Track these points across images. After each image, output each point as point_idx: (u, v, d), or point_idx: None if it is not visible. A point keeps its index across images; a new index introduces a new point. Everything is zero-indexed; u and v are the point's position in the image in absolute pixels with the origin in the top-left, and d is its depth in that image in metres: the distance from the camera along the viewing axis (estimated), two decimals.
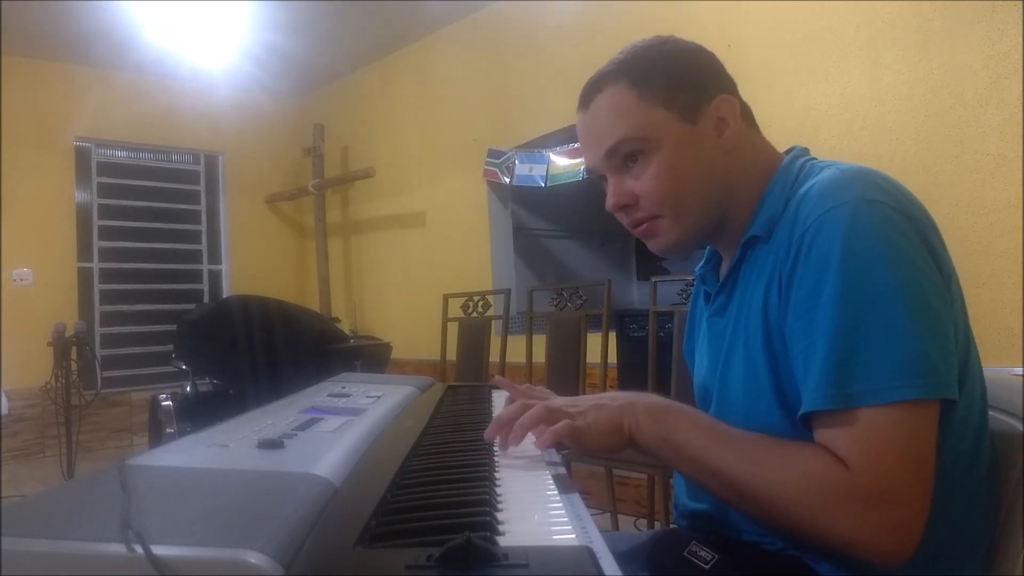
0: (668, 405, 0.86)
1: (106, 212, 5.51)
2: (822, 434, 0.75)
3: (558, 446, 0.85)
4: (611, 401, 0.86)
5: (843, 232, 0.74)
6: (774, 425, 0.82)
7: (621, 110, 0.88)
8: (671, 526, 1.18)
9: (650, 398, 0.86)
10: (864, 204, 0.75)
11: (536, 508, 0.67)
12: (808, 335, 0.75)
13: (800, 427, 0.78)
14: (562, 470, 0.82)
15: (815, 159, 0.91)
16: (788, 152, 0.93)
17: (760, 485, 0.76)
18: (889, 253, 0.73)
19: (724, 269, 0.97)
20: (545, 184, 4.08)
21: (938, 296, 0.75)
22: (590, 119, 0.92)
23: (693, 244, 0.93)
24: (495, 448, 0.90)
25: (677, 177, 0.87)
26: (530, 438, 0.86)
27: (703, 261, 1.03)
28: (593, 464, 2.89)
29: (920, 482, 0.71)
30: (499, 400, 1.33)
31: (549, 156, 4.07)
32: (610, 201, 0.92)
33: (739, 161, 0.89)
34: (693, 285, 1.09)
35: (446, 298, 3.47)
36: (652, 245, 0.93)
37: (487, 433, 0.89)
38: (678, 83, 0.87)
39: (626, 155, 0.89)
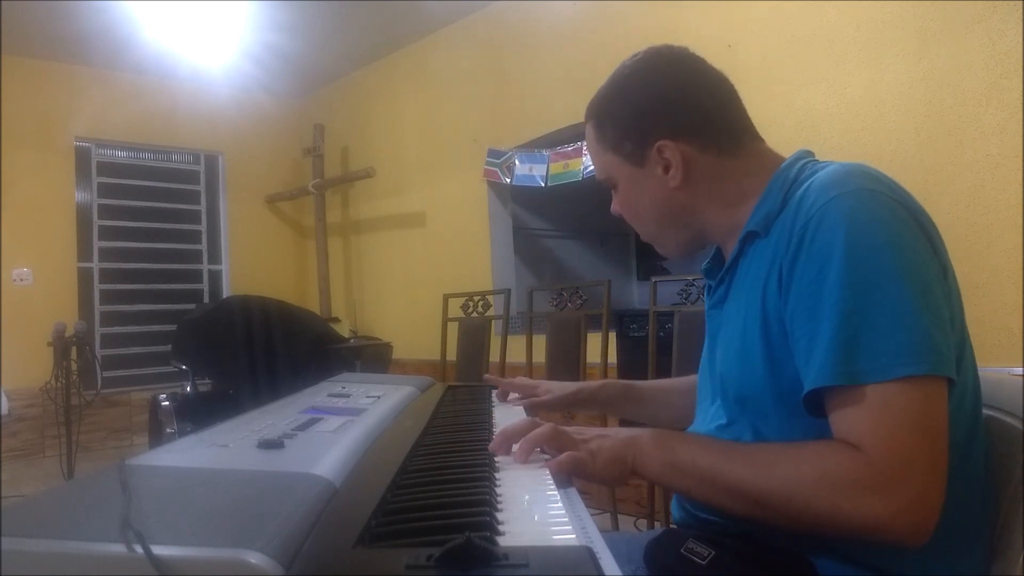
0: (670, 432, 0.87)
1: (106, 212, 5.51)
2: (832, 414, 0.75)
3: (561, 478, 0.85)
4: (615, 434, 0.87)
5: (847, 219, 0.76)
6: (766, 415, 0.83)
7: (591, 150, 1.02)
8: (671, 526, 1.19)
9: (652, 429, 0.88)
10: (866, 193, 0.77)
11: (536, 508, 0.67)
12: (812, 318, 0.76)
13: (795, 417, 0.79)
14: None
15: (816, 160, 0.92)
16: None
17: (776, 488, 0.76)
18: (892, 239, 0.75)
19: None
20: (545, 184, 4.08)
21: (937, 283, 0.77)
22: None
23: (681, 254, 1.03)
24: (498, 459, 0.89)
25: (633, 211, 1.00)
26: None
27: (709, 258, 1.06)
28: None
29: (935, 454, 0.71)
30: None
31: (548, 156, 4.08)
32: (611, 208, 1.04)
33: (699, 189, 0.94)
34: (695, 284, 1.15)
35: (446, 298, 3.47)
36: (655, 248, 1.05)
37: (492, 446, 0.89)
38: (625, 131, 0.96)
39: (609, 187, 1.02)
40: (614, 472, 0.84)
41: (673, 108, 0.94)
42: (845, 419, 0.74)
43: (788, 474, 0.75)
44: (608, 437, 0.86)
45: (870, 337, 0.72)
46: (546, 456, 0.85)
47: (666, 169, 0.93)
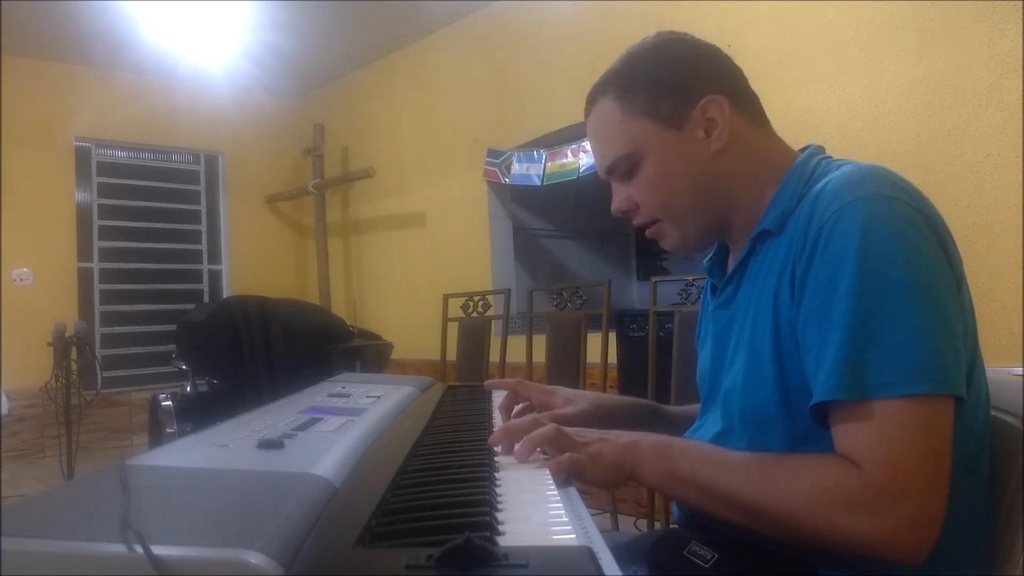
0: (671, 440, 0.86)
1: (106, 212, 5.51)
2: (835, 428, 0.75)
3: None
4: (616, 438, 0.86)
5: (861, 227, 0.74)
6: (771, 418, 0.82)
7: (608, 127, 0.93)
8: (671, 526, 1.18)
9: (654, 436, 0.87)
10: (882, 200, 0.75)
11: (536, 508, 0.67)
12: (822, 327, 0.75)
13: (800, 421, 0.79)
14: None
15: (830, 157, 0.91)
16: (803, 150, 0.93)
17: (773, 502, 0.75)
18: (905, 250, 0.73)
19: (732, 261, 0.97)
20: (541, 183, 4.09)
21: (950, 296, 0.75)
22: (590, 132, 0.97)
23: (700, 243, 0.96)
24: (497, 450, 0.90)
25: (665, 184, 0.91)
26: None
27: (711, 253, 1.04)
28: None
29: (936, 476, 0.70)
30: (499, 400, 1.33)
31: (545, 155, 4.09)
32: (613, 207, 0.96)
33: (736, 158, 0.90)
34: (695, 284, 1.11)
35: (446, 298, 3.46)
36: (663, 244, 0.96)
37: (493, 439, 0.88)
38: (661, 91, 0.90)
39: (623, 171, 0.93)
40: (611, 477, 0.84)
41: (713, 64, 0.92)
42: (847, 434, 0.73)
43: (785, 489, 0.75)
44: (608, 441, 0.85)
45: (878, 352, 0.71)
46: (545, 456, 0.85)
47: (707, 132, 0.89)
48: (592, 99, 0.95)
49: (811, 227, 0.79)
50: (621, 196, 0.95)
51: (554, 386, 1.14)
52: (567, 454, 0.83)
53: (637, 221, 0.95)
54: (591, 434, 0.88)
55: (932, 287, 0.73)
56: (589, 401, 1.09)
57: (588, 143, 4.12)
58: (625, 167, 0.93)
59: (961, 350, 0.74)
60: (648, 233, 0.96)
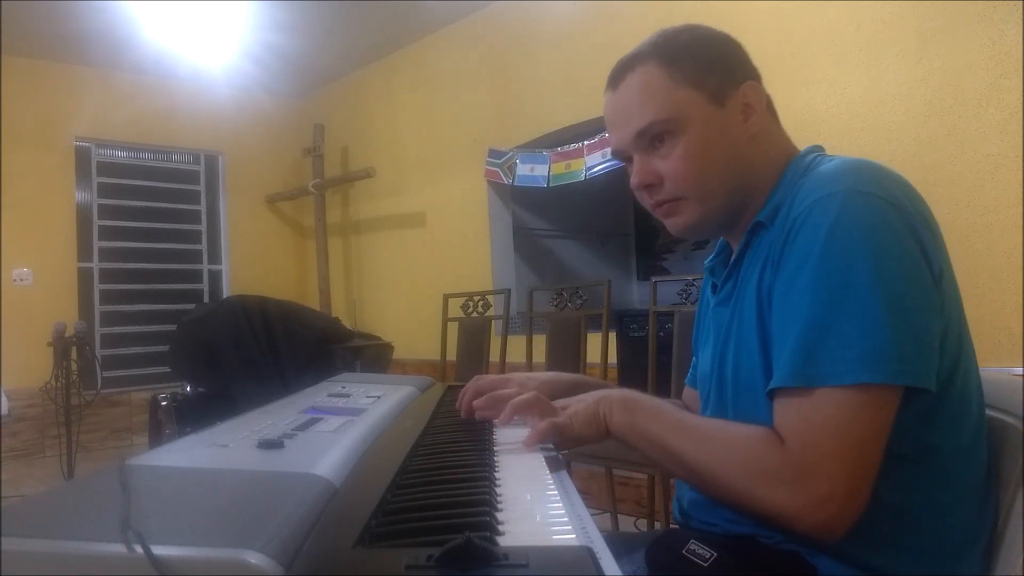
0: (638, 396, 0.92)
1: (106, 212, 5.51)
2: (776, 407, 0.78)
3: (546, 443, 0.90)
4: (589, 396, 0.93)
5: (830, 220, 0.76)
6: (758, 406, 0.83)
7: (651, 90, 0.89)
8: (671, 526, 1.19)
9: (624, 391, 0.93)
10: (855, 194, 0.77)
11: (536, 508, 0.67)
12: (784, 316, 0.78)
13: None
14: (563, 471, 0.82)
15: (825, 155, 0.92)
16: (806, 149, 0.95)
17: (708, 466, 0.81)
18: (871, 244, 0.75)
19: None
20: (548, 184, 4.07)
21: (919, 291, 0.76)
22: (620, 99, 0.93)
23: (711, 228, 0.95)
24: (495, 447, 0.90)
25: (703, 158, 0.88)
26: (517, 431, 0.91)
27: (713, 254, 1.04)
28: (593, 464, 2.90)
29: (850, 462, 0.72)
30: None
31: (550, 156, 4.07)
32: (634, 180, 0.93)
33: (761, 148, 0.91)
34: (695, 284, 1.11)
35: (446, 298, 3.47)
36: (671, 225, 0.94)
37: (477, 402, 0.96)
38: (708, 66, 0.89)
39: (654, 136, 0.90)
40: (591, 431, 0.89)
41: (746, 55, 0.94)
42: (783, 414, 0.77)
43: (718, 456, 0.80)
44: (583, 400, 0.92)
45: (830, 343, 0.73)
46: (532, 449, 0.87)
47: (744, 116, 0.89)
48: (629, 66, 0.91)
49: (789, 218, 0.81)
50: (647, 169, 0.91)
51: (510, 374, 1.16)
52: (547, 419, 0.88)
53: (658, 197, 0.92)
54: (569, 400, 0.94)
55: (896, 281, 0.74)
56: (540, 382, 1.09)
57: (589, 142, 4.06)
58: (657, 131, 0.89)
59: (927, 343, 0.75)
60: (661, 211, 0.93)
